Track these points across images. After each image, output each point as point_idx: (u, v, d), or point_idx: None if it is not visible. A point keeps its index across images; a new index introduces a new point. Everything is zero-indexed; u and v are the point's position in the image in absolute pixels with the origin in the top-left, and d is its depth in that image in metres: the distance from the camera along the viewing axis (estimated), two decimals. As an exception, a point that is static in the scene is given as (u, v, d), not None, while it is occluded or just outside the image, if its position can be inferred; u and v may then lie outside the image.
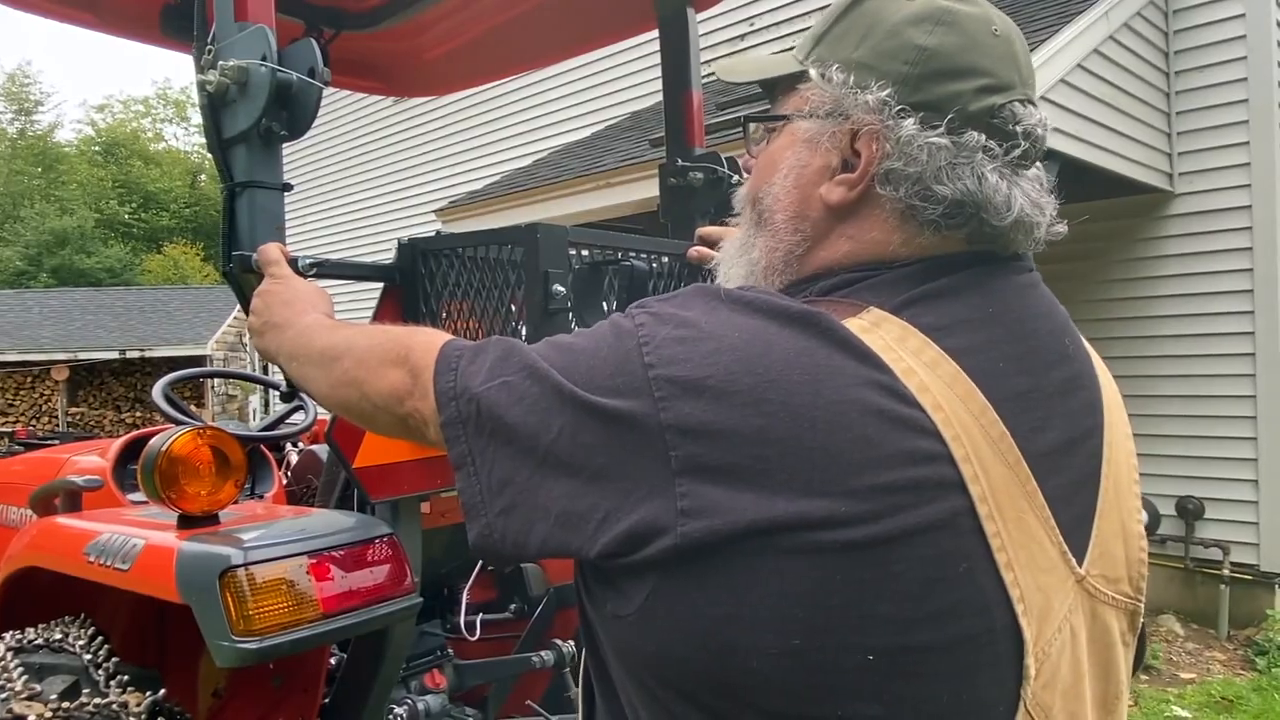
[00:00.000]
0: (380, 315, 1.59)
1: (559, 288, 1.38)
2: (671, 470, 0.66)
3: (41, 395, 16.02)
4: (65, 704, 1.62)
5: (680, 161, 2.18)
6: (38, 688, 1.66)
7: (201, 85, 1.42)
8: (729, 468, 0.65)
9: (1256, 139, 5.33)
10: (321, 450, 2.64)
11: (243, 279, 1.39)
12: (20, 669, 1.70)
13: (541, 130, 8.91)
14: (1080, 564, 0.74)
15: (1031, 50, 0.82)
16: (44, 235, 28.28)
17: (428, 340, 0.86)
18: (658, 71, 2.38)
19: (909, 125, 0.75)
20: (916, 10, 0.78)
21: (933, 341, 0.71)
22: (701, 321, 0.71)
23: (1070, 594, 0.73)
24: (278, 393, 2.05)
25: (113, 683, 1.70)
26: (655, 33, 2.33)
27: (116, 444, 2.51)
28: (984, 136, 0.75)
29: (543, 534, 0.72)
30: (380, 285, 1.64)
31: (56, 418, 15.73)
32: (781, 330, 0.70)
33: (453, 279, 1.54)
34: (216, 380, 16.07)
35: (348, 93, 9.64)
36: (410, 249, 1.61)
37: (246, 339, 15.17)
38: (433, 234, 1.69)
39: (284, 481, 2.73)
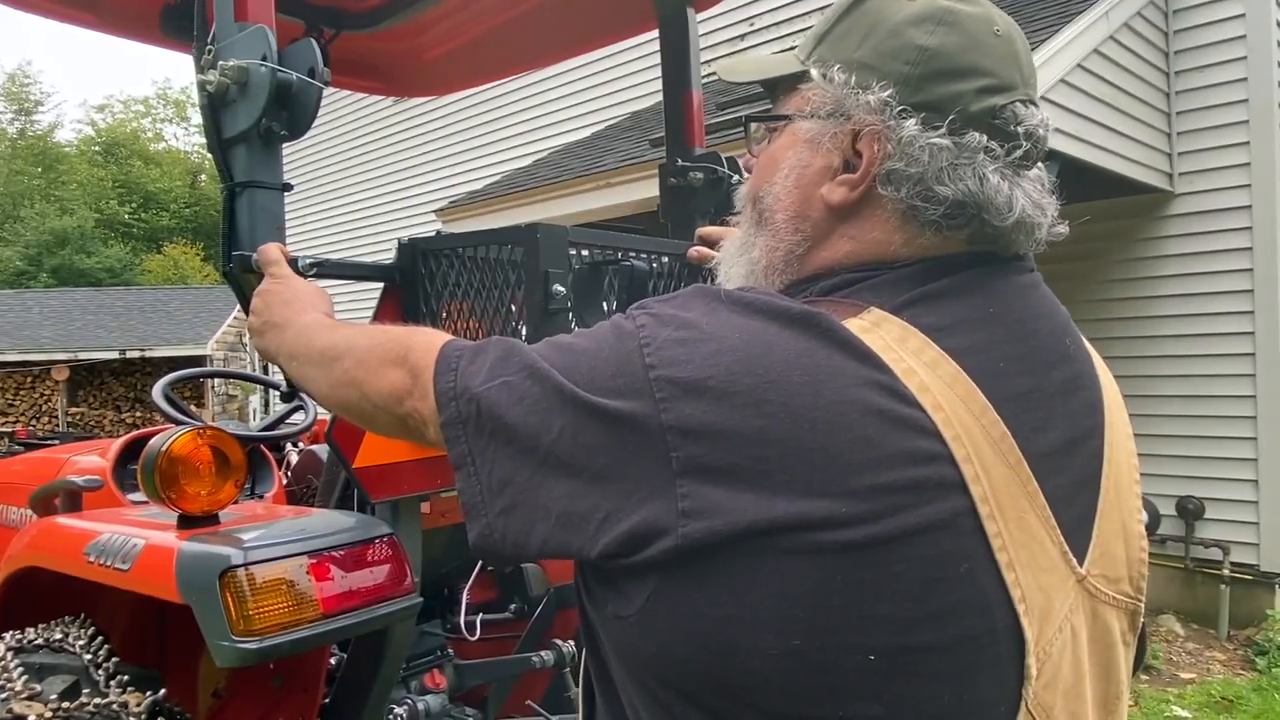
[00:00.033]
0: (380, 315, 1.59)
1: (559, 288, 1.38)
2: (672, 471, 0.66)
3: (41, 395, 16.02)
4: (65, 704, 1.62)
5: (680, 161, 2.18)
6: (38, 688, 1.66)
7: (201, 85, 1.42)
8: (730, 468, 0.65)
9: (1256, 139, 5.33)
10: (321, 450, 2.64)
11: (243, 279, 1.39)
12: (20, 669, 1.70)
13: (541, 130, 8.91)
14: (1081, 564, 0.74)
15: (1032, 50, 0.82)
16: (44, 235, 28.27)
17: (428, 340, 0.86)
18: (658, 71, 2.38)
19: (910, 126, 0.75)
20: (918, 10, 0.77)
21: (933, 342, 0.71)
22: (702, 322, 0.71)
23: (1071, 594, 0.73)
24: (278, 393, 2.05)
25: (113, 683, 1.69)
26: (655, 33, 2.33)
27: (116, 444, 2.51)
28: (985, 137, 0.75)
29: (543, 534, 0.72)
30: (380, 285, 1.64)
31: (56, 418, 15.72)
32: (782, 331, 0.70)
33: (453, 279, 1.54)
34: (216, 380, 16.07)
35: (348, 93, 9.64)
36: (410, 249, 1.60)
37: (246, 339, 15.17)
38: (433, 234, 1.69)
39: (284, 481, 2.73)
